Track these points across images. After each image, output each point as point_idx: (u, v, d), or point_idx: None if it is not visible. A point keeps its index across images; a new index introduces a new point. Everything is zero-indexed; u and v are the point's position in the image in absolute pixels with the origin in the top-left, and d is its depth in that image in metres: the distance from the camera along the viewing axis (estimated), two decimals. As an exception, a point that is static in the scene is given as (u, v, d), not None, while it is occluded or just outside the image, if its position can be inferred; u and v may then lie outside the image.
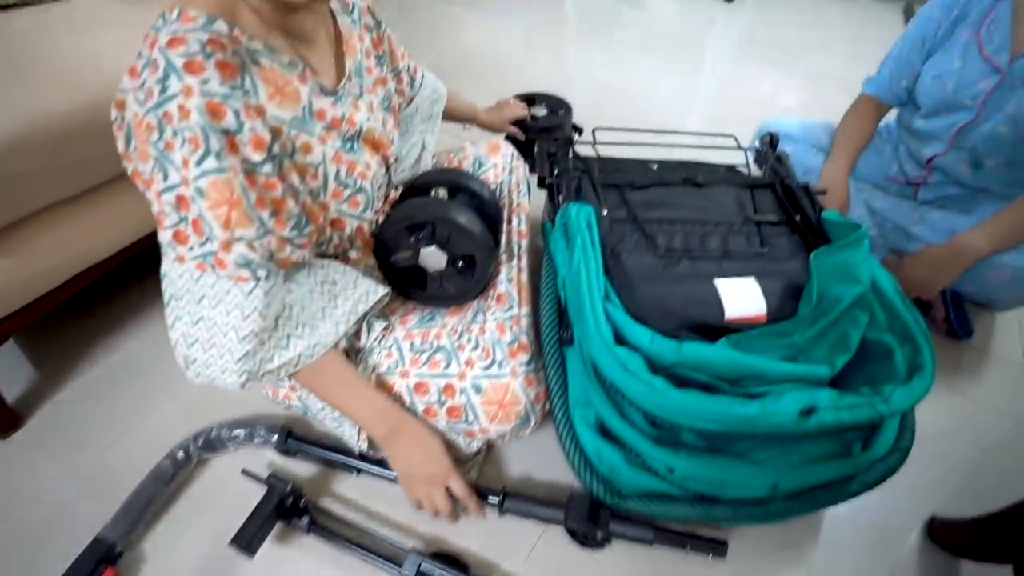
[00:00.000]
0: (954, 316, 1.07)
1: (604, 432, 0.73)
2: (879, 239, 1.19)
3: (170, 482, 0.77)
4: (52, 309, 0.87)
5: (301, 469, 0.84)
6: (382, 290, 0.74)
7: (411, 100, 0.95)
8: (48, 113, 0.75)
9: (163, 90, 0.50)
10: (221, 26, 0.53)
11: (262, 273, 0.59)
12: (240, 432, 0.82)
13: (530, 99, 1.29)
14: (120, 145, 0.58)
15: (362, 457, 0.80)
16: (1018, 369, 1.07)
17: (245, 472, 0.77)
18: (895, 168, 1.23)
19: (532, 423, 0.75)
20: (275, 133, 0.58)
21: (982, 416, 0.98)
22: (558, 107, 1.29)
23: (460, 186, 0.88)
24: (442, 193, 0.86)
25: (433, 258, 0.79)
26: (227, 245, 0.55)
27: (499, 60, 2.13)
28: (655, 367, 0.66)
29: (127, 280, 1.10)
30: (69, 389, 0.94)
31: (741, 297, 0.76)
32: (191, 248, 0.56)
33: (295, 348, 0.64)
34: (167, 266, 0.58)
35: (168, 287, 0.59)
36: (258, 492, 0.74)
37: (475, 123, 1.16)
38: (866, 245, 0.79)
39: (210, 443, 0.81)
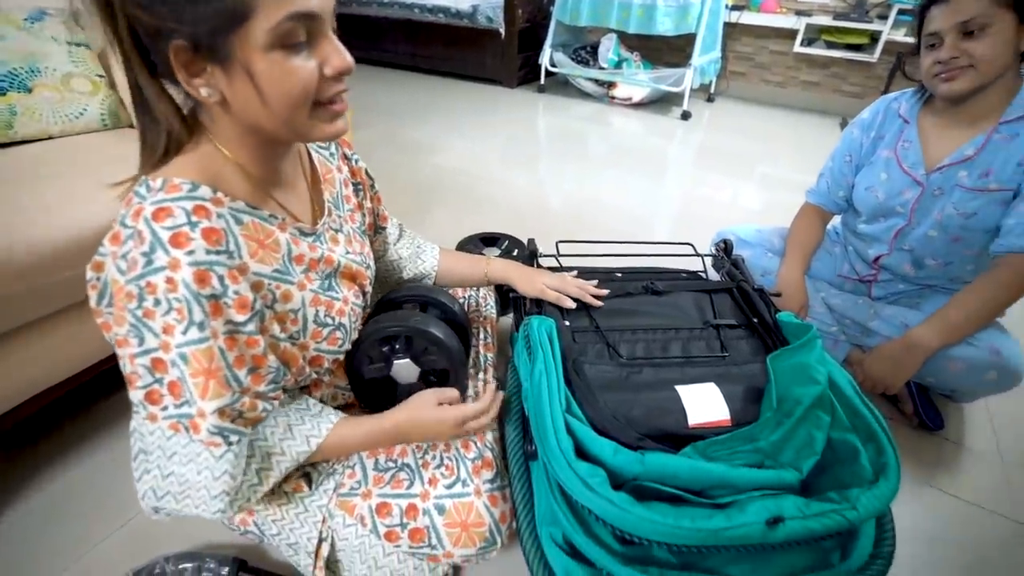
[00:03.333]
0: (922, 409, 1.08)
1: (573, 552, 0.70)
2: (840, 335, 1.22)
3: (106, 628, 0.71)
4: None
5: (255, 606, 0.78)
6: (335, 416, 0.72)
7: (381, 252, 0.95)
8: (23, 241, 0.78)
9: (148, 263, 0.50)
10: (205, 191, 0.54)
11: (234, 439, 0.59)
12: (187, 566, 0.77)
13: (492, 239, 1.36)
14: (92, 302, 0.57)
15: (320, 589, 0.75)
16: (992, 460, 1.06)
17: (189, 613, 0.71)
18: (847, 267, 1.30)
19: (498, 544, 0.71)
20: (256, 288, 0.59)
21: (963, 512, 0.96)
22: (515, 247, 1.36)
23: (430, 300, 0.91)
24: (413, 307, 0.88)
25: (406, 370, 0.79)
26: (202, 413, 0.56)
27: (475, 180, 2.26)
28: (619, 480, 0.65)
29: (79, 404, 1.08)
30: (7, 522, 0.88)
31: (703, 403, 0.77)
32: (165, 408, 0.56)
33: (268, 482, 0.63)
34: (136, 423, 0.58)
35: (137, 442, 0.59)
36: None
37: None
38: (819, 345, 0.82)
39: (154, 580, 0.76)
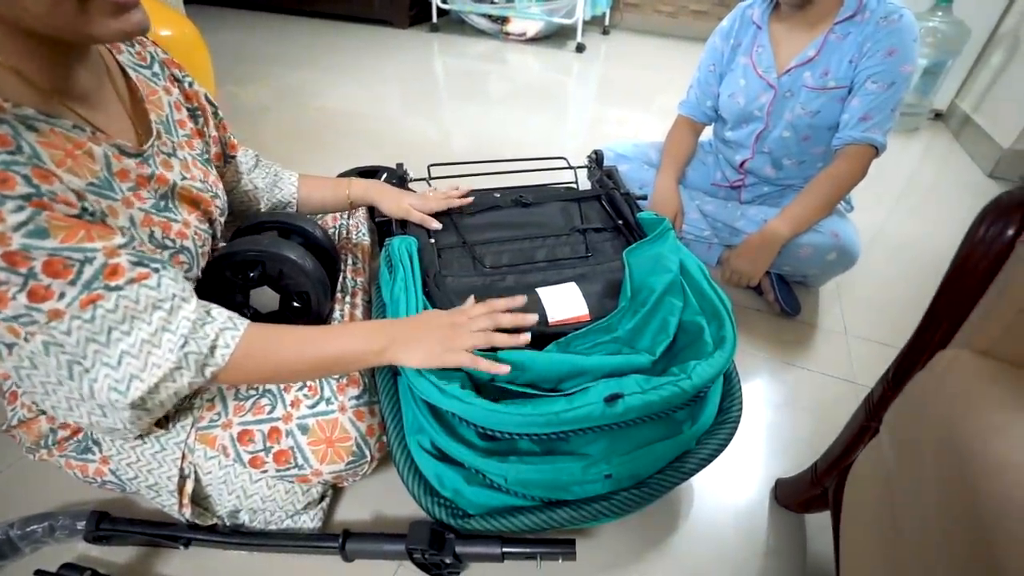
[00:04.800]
0: (782, 297, 1.18)
1: (441, 455, 0.71)
2: (714, 238, 1.29)
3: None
4: None
5: (124, 556, 0.74)
6: None
7: (235, 183, 0.88)
8: None
9: None
10: None
11: (157, 265, 0.54)
12: (37, 527, 0.71)
13: (371, 172, 1.30)
14: None
15: (193, 527, 0.72)
16: (839, 336, 1.18)
17: (39, 573, 0.66)
18: (719, 175, 1.37)
19: (367, 457, 0.71)
20: (79, 196, 0.52)
21: (813, 381, 1.06)
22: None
23: (290, 226, 0.86)
24: (272, 234, 0.84)
25: (265, 297, 0.76)
26: (111, 252, 0.50)
27: (371, 121, 2.16)
28: (478, 383, 0.66)
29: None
30: None
31: (563, 301, 0.79)
32: (62, 296, 0.48)
33: (221, 314, 0.58)
34: (45, 336, 0.49)
35: (53, 362, 0.50)
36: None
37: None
38: (671, 235, 0.86)
39: (-2, 547, 0.70)
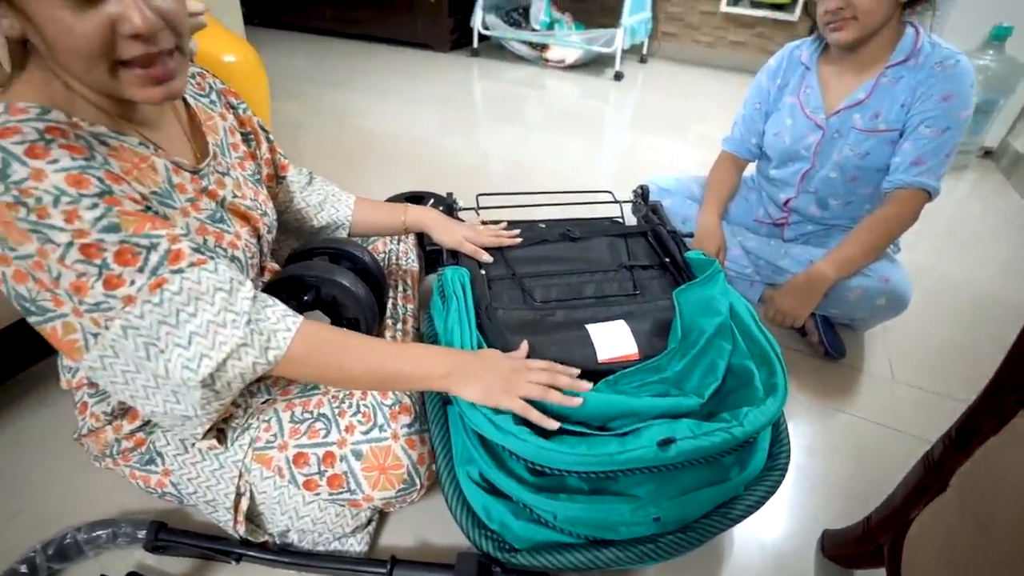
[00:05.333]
0: (827, 339, 1.16)
1: (490, 488, 0.72)
2: (756, 275, 1.29)
3: (11, 604, 0.68)
4: None
5: (179, 567, 0.77)
6: None
7: (287, 202, 0.92)
8: None
9: (4, 177, 0.47)
10: (58, 115, 0.51)
11: (212, 254, 0.57)
12: (101, 533, 0.74)
13: (418, 198, 1.34)
14: None
15: (244, 543, 0.75)
16: (885, 381, 1.16)
17: (103, 579, 0.69)
18: (761, 211, 1.37)
19: (418, 486, 0.73)
20: (144, 199, 0.56)
21: (861, 428, 1.04)
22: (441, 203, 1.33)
23: (341, 252, 0.90)
24: (323, 259, 0.87)
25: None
26: (174, 239, 0.54)
27: (411, 144, 2.21)
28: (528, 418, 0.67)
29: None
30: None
31: (612, 339, 0.80)
32: (132, 282, 0.52)
33: (276, 309, 0.61)
34: (123, 320, 0.53)
35: (132, 345, 0.54)
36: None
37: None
38: (721, 278, 0.86)
39: (63, 551, 0.73)
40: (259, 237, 0.77)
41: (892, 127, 1.08)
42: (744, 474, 0.72)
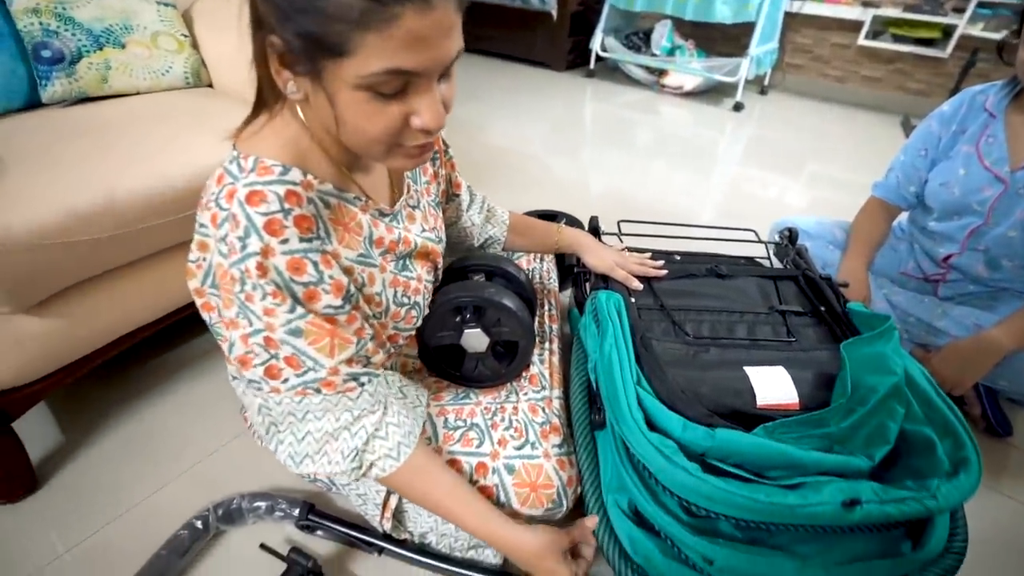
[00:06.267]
0: (991, 412, 1.06)
1: (639, 519, 0.71)
2: (903, 333, 1.20)
3: (185, 554, 0.75)
4: (86, 373, 0.89)
5: (321, 547, 0.81)
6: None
7: (454, 219, 0.94)
8: (123, 188, 0.82)
9: (243, 247, 0.51)
10: (296, 175, 0.54)
11: (366, 380, 0.62)
12: (261, 504, 0.80)
13: (551, 216, 1.35)
14: (196, 282, 0.59)
15: (386, 537, 0.78)
16: (1062, 470, 1.03)
17: (264, 547, 0.74)
18: (911, 265, 1.27)
19: (564, 507, 0.73)
20: (348, 272, 0.61)
21: (1029, 519, 0.94)
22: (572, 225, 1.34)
23: (497, 271, 0.92)
24: (480, 277, 0.89)
25: (475, 339, 0.80)
26: (335, 371, 0.58)
27: (525, 160, 2.26)
28: (687, 454, 0.65)
29: (156, 348, 1.13)
30: (89, 456, 0.94)
31: (772, 384, 0.77)
32: (286, 380, 0.58)
33: (393, 436, 0.64)
34: (262, 399, 0.60)
35: (266, 418, 0.62)
36: (275, 569, 0.71)
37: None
38: (896, 336, 0.80)
39: (230, 514, 0.80)
40: (436, 268, 0.79)
41: (1095, 187, 0.97)
42: (921, 553, 0.66)
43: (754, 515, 0.61)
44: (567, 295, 1.26)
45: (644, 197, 2.00)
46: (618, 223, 1.13)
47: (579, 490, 0.75)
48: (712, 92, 3.30)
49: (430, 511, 0.71)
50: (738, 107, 3.03)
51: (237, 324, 0.55)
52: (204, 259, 0.57)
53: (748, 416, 0.73)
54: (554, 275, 1.05)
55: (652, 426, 0.67)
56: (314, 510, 0.81)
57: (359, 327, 0.61)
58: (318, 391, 0.58)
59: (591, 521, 0.71)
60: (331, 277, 0.57)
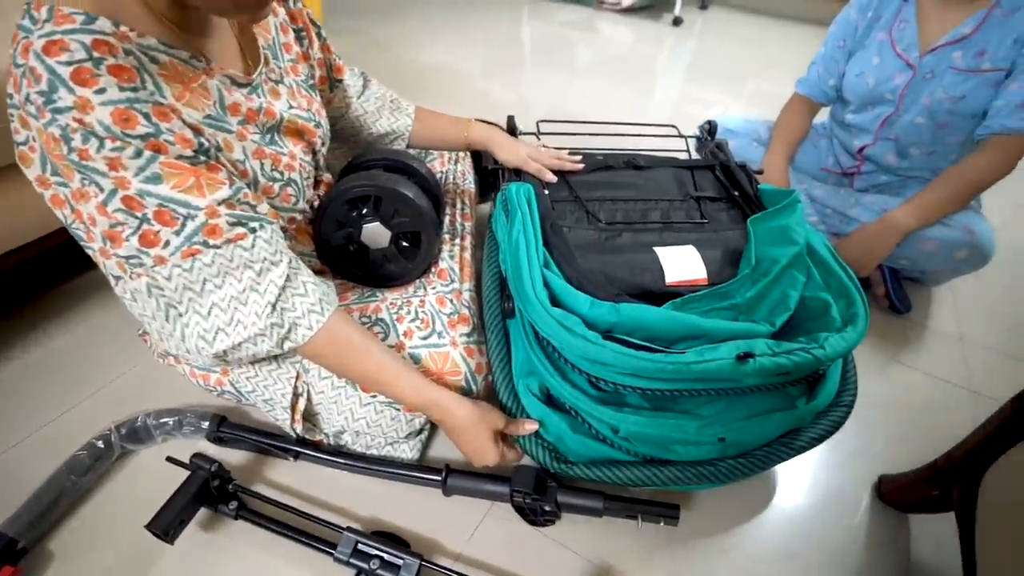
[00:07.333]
0: (893, 291, 1.11)
1: (549, 400, 0.71)
2: (820, 225, 1.23)
3: (86, 473, 0.71)
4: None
5: (236, 458, 0.79)
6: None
7: (343, 108, 0.88)
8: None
9: (51, 102, 0.44)
10: (104, 24, 0.46)
11: (256, 224, 0.56)
12: (168, 420, 0.77)
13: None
14: (36, 169, 0.50)
15: (301, 442, 0.76)
16: (953, 339, 1.11)
17: (170, 459, 0.71)
18: (831, 160, 1.29)
19: (473, 393, 0.73)
20: (196, 131, 0.54)
21: (923, 383, 1.01)
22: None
23: (398, 165, 0.87)
24: (378, 172, 0.85)
25: (376, 234, 0.77)
26: (212, 211, 0.52)
27: (459, 80, 2.16)
28: (595, 331, 0.65)
29: (61, 277, 1.06)
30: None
31: (681, 262, 0.77)
32: (167, 244, 0.51)
33: (314, 293, 0.60)
34: (147, 283, 0.53)
35: (153, 303, 0.55)
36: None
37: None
38: (799, 209, 0.81)
39: (135, 432, 0.76)
40: (314, 152, 0.74)
41: (999, 66, 0.98)
42: (812, 405, 0.70)
43: (654, 374, 0.61)
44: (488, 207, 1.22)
45: (585, 114, 1.95)
46: (537, 123, 1.09)
47: (489, 378, 0.74)
48: (651, 7, 3.21)
49: (363, 386, 0.70)
50: (677, 22, 2.96)
51: (86, 194, 0.49)
52: (33, 138, 0.49)
53: (659, 295, 0.74)
54: (470, 177, 1.02)
55: (558, 305, 0.66)
56: (226, 422, 0.78)
57: (229, 175, 0.55)
58: (205, 244, 0.53)
59: (531, 425, 0.70)
60: (171, 130, 0.50)
